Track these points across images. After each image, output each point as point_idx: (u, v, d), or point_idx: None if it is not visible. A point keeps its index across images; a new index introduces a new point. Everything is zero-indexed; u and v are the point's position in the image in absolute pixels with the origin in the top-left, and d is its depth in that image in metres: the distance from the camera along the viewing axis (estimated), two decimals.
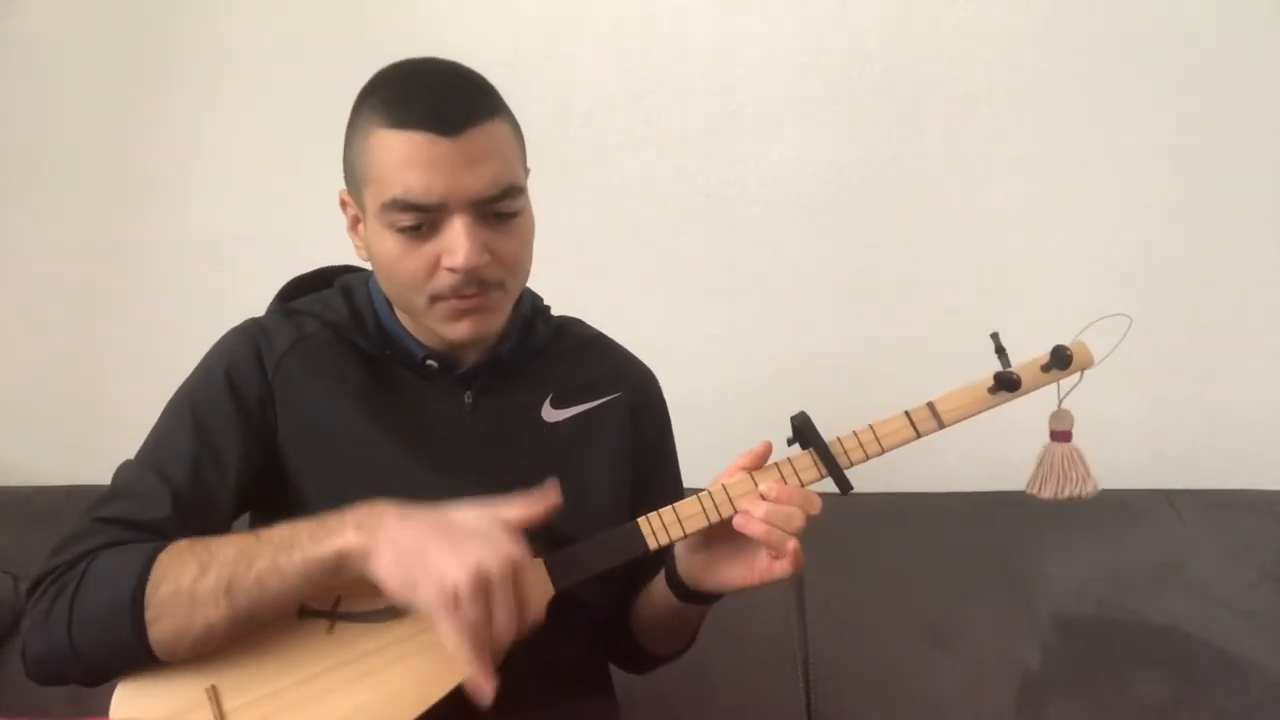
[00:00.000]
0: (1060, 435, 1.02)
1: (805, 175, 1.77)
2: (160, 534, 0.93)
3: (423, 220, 0.96)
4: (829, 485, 0.98)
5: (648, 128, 1.79)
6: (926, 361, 1.73)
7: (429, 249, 0.97)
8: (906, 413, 0.99)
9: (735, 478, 0.96)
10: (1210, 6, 1.71)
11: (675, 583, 1.03)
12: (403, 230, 0.96)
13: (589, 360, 1.17)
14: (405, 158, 0.94)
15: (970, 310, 1.72)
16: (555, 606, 0.93)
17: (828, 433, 0.98)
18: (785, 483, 0.96)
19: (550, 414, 1.10)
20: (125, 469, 1.01)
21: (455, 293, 0.98)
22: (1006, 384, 0.98)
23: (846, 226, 1.77)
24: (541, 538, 0.92)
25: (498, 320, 1.05)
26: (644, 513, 0.96)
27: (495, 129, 0.97)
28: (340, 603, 0.92)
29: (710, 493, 0.96)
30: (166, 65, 1.84)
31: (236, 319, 1.11)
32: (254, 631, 0.90)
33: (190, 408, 1.02)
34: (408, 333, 1.08)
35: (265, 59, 1.83)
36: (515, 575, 0.84)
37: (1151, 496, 1.57)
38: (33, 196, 1.87)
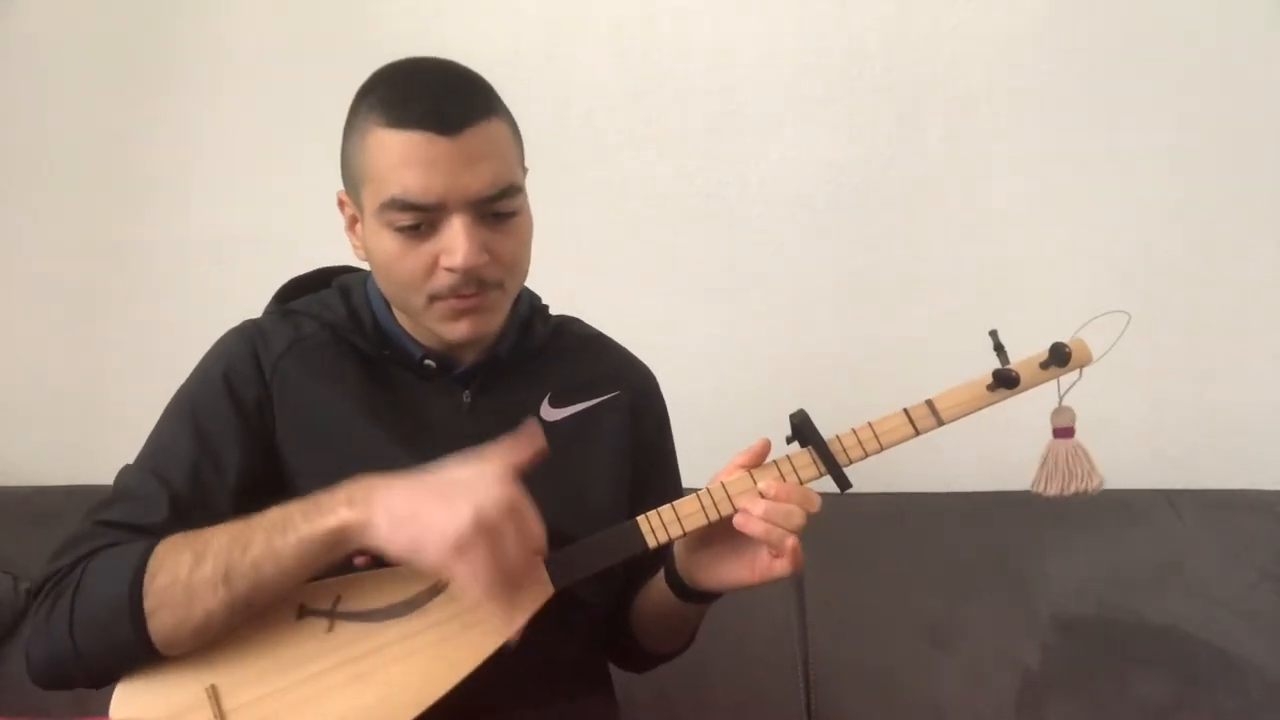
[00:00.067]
0: (1063, 432, 1.01)
1: (805, 175, 1.77)
2: (159, 537, 0.93)
3: (421, 220, 0.96)
4: (829, 484, 0.98)
5: (648, 128, 1.79)
6: (926, 361, 1.72)
7: (427, 249, 0.97)
8: (905, 410, 0.99)
9: (734, 476, 0.96)
10: (1210, 6, 1.71)
11: (674, 581, 1.03)
12: (401, 230, 0.96)
13: (587, 359, 1.17)
14: (403, 157, 0.94)
15: (970, 310, 1.72)
16: (555, 606, 0.93)
17: (827, 433, 0.98)
18: (784, 480, 0.95)
19: (549, 413, 1.10)
20: (125, 473, 1.01)
21: (454, 292, 0.98)
22: (1005, 381, 0.98)
23: (846, 226, 1.77)
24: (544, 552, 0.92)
25: (496, 320, 1.05)
26: (643, 512, 0.96)
27: (493, 128, 0.97)
28: (340, 602, 0.92)
29: (709, 491, 0.95)
30: (166, 65, 1.84)
31: (236, 319, 1.11)
32: (254, 630, 0.90)
33: (189, 411, 1.02)
34: (406, 333, 1.08)
35: (265, 59, 1.83)
36: (514, 511, 0.85)
37: (1151, 496, 1.57)
38: (33, 196, 1.87)
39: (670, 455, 1.23)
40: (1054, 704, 1.43)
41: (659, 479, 1.16)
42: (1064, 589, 1.50)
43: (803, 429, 0.98)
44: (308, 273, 1.17)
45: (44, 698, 0.99)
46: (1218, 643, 1.45)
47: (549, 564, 0.94)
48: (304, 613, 0.92)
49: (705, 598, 1.03)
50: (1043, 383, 1.01)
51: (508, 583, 0.85)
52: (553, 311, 1.20)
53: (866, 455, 0.98)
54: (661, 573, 1.06)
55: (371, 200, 0.98)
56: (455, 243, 0.95)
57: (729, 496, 0.95)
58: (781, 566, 0.93)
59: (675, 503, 0.95)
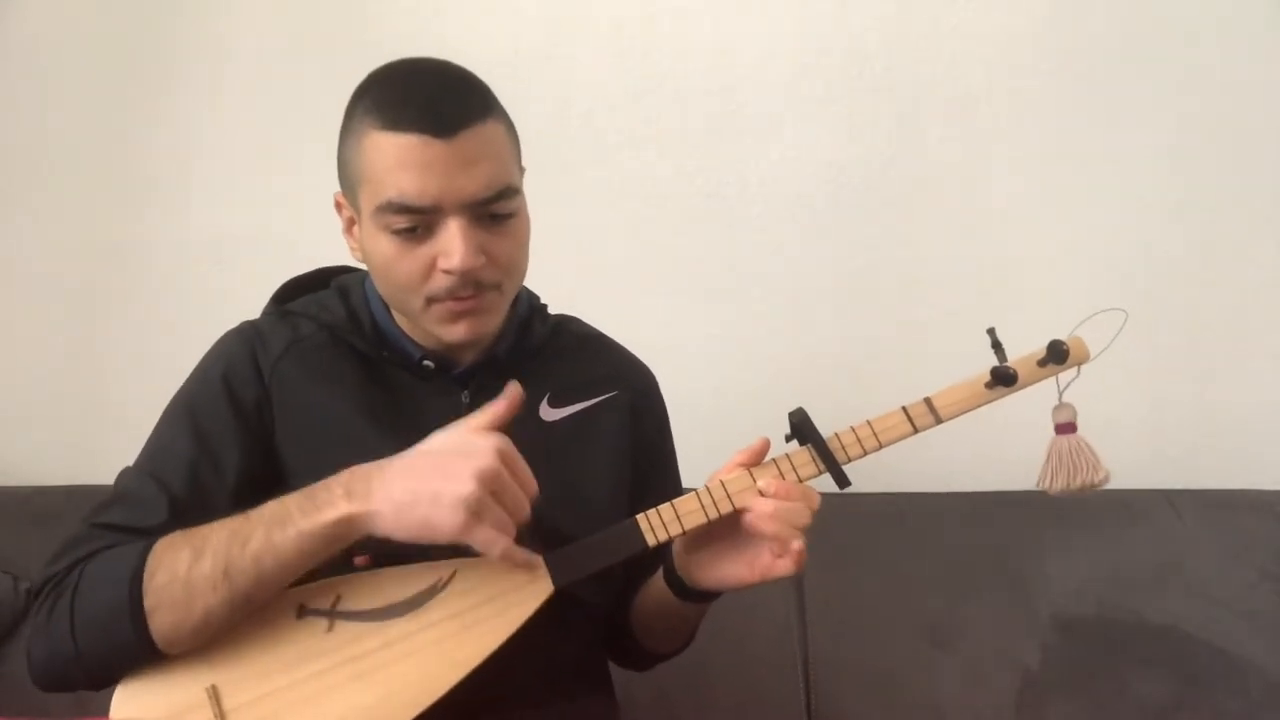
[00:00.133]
0: (1064, 428, 1.01)
1: (805, 175, 1.77)
2: (158, 539, 0.93)
3: (417, 222, 0.96)
4: (829, 484, 0.98)
5: (648, 128, 1.79)
6: (926, 361, 1.72)
7: (424, 251, 0.97)
8: (904, 408, 0.99)
9: (733, 474, 0.96)
10: (1210, 6, 1.71)
11: (674, 581, 1.03)
12: (397, 232, 0.96)
13: (587, 359, 1.17)
14: (399, 160, 0.94)
15: (970, 310, 1.72)
16: (554, 605, 0.93)
17: (827, 431, 0.98)
18: (784, 479, 0.96)
19: (548, 413, 1.10)
20: (124, 475, 1.01)
21: (451, 294, 0.98)
22: (1003, 379, 0.98)
23: (846, 226, 1.77)
24: (540, 536, 0.92)
25: (494, 321, 1.05)
26: (643, 510, 0.96)
27: (489, 130, 0.97)
28: (339, 602, 0.92)
29: (708, 489, 0.95)
30: (166, 65, 1.84)
31: (236, 319, 1.11)
32: (254, 630, 0.90)
33: (188, 413, 1.02)
34: (404, 333, 1.08)
35: (265, 59, 1.84)
36: (507, 458, 0.86)
37: (1151, 496, 1.57)
38: (33, 196, 1.87)
39: (670, 455, 1.23)
40: (1054, 704, 1.43)
41: (658, 478, 1.16)
42: (1064, 589, 1.50)
43: (801, 427, 0.98)
44: (306, 273, 1.17)
45: (44, 698, 0.99)
46: (1218, 643, 1.45)
47: (549, 563, 0.94)
48: (304, 612, 0.92)
49: (704, 597, 1.03)
50: (1041, 380, 1.01)
51: (513, 533, 0.87)
52: (552, 311, 1.19)
53: (865, 453, 0.98)
54: (661, 572, 1.06)
55: (368, 203, 0.97)
56: (452, 245, 0.95)
57: (728, 495, 0.95)
58: (784, 566, 0.93)
59: (674, 501, 0.95)
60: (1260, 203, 1.72)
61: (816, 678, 1.46)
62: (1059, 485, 1.01)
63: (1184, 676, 1.43)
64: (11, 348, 1.87)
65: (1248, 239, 1.72)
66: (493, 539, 0.85)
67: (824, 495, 0.96)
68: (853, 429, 0.99)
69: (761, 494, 0.94)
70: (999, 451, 1.65)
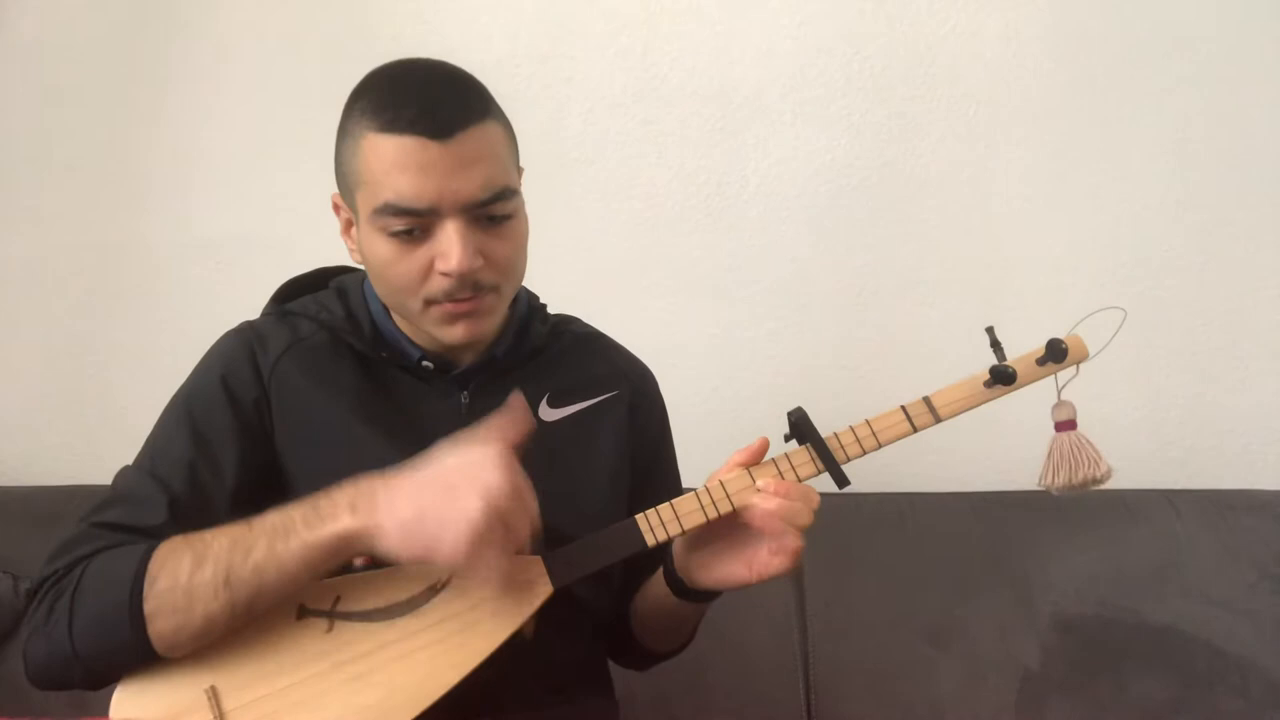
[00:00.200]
0: (1064, 425, 1.01)
1: (805, 175, 1.77)
2: (157, 539, 0.93)
3: (415, 225, 0.95)
4: (829, 484, 0.98)
5: (648, 128, 1.79)
6: (926, 361, 1.73)
7: (422, 253, 0.96)
8: (903, 407, 0.99)
9: (732, 474, 0.96)
10: (1210, 7, 1.72)
11: (673, 580, 1.03)
12: (395, 235, 0.96)
13: (586, 359, 1.17)
14: (396, 162, 0.93)
15: (970, 310, 1.73)
16: (554, 606, 0.93)
17: (826, 432, 0.98)
18: (783, 478, 0.96)
19: (547, 413, 1.10)
20: (123, 475, 1.00)
21: (449, 296, 0.98)
22: (1002, 378, 0.98)
23: (846, 226, 1.77)
24: (540, 536, 0.92)
25: (493, 322, 1.04)
26: (642, 510, 0.96)
27: (486, 131, 0.96)
28: (339, 602, 0.92)
29: (708, 489, 0.95)
30: (166, 65, 1.84)
31: (236, 319, 1.11)
32: (253, 631, 0.90)
33: (187, 413, 1.02)
34: (403, 334, 1.07)
35: (265, 59, 1.84)
36: (518, 494, 0.85)
37: (1151, 496, 1.57)
38: (33, 196, 1.87)
39: (669, 454, 1.23)
40: (1054, 704, 1.43)
41: (658, 478, 1.16)
42: (1064, 589, 1.50)
43: (800, 426, 0.98)
44: (305, 273, 1.17)
45: (44, 698, 0.99)
46: (1217, 643, 1.45)
47: (548, 563, 0.94)
48: (304, 613, 0.92)
49: (704, 597, 1.03)
50: (1040, 379, 1.01)
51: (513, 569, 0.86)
52: (552, 311, 1.19)
53: (864, 453, 0.98)
54: (660, 572, 1.06)
55: (365, 205, 0.97)
56: (449, 247, 0.95)
57: (727, 495, 0.95)
58: (779, 563, 0.93)
59: (674, 501, 0.95)
60: (1260, 202, 1.72)
61: (816, 678, 1.46)
62: (1060, 482, 1.01)
63: (1184, 676, 1.43)
64: (12, 348, 1.87)
65: (1248, 239, 1.72)
66: (487, 574, 0.85)
67: (824, 495, 0.96)
68: (852, 429, 0.98)
69: (761, 493, 0.94)
70: (999, 451, 1.65)
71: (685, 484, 1.20)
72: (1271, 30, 1.71)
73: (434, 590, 0.93)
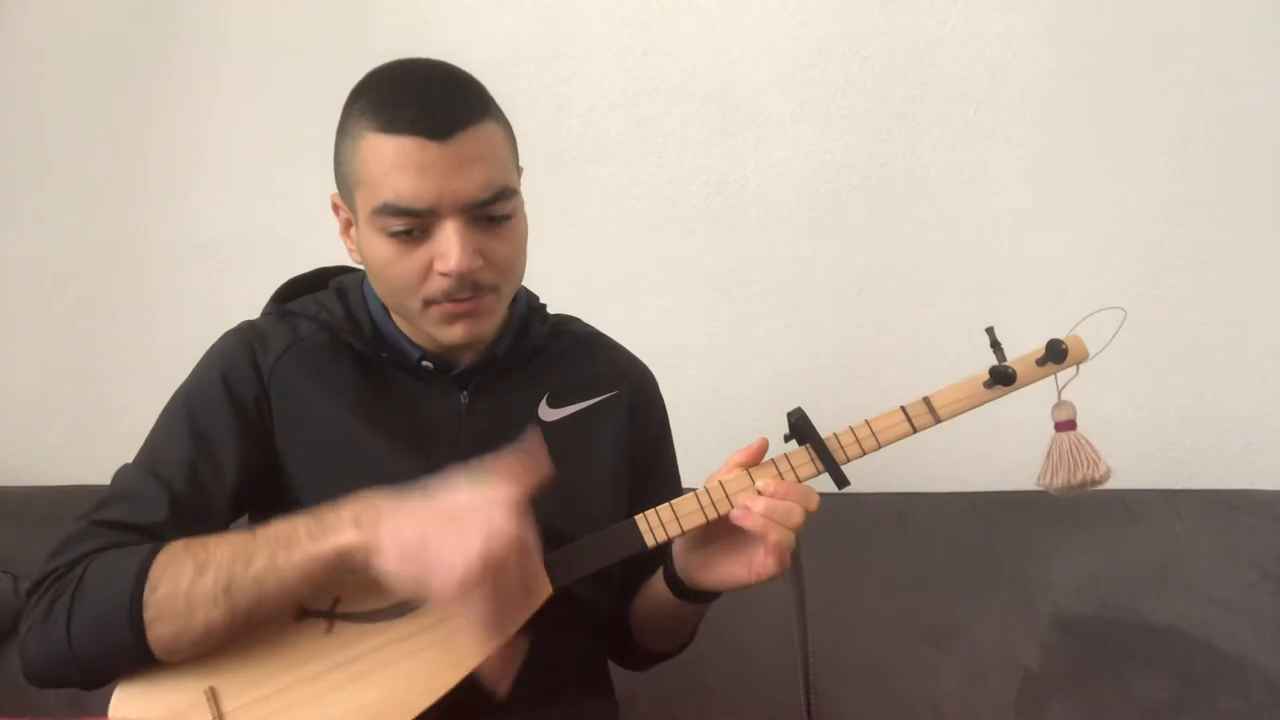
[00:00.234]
0: (1064, 425, 1.01)
1: (805, 175, 1.77)
2: (157, 538, 0.93)
3: (414, 225, 0.95)
4: (829, 484, 0.98)
5: (648, 128, 1.79)
6: (926, 361, 1.73)
7: (421, 253, 0.96)
8: (903, 408, 0.99)
9: (732, 474, 0.96)
10: (1210, 7, 1.71)
11: (673, 581, 1.03)
12: (394, 235, 0.96)
13: (586, 359, 1.17)
14: (395, 163, 0.93)
15: (970, 310, 1.72)
16: (554, 606, 0.93)
17: (826, 433, 0.98)
18: (782, 479, 0.96)
19: (547, 413, 1.10)
20: (123, 473, 1.01)
21: (449, 297, 0.98)
22: (1002, 378, 0.98)
23: (846, 226, 1.77)
24: (539, 537, 0.91)
25: (492, 322, 1.04)
26: (642, 511, 0.96)
27: (485, 131, 0.96)
28: (338, 603, 0.92)
29: (707, 490, 0.95)
30: (166, 65, 1.84)
31: (236, 319, 1.11)
32: (252, 631, 0.90)
33: (187, 412, 1.02)
34: (403, 334, 1.07)
35: (265, 59, 1.84)
36: (522, 548, 0.84)
37: (1151, 496, 1.57)
38: (33, 197, 1.87)
39: (669, 454, 1.23)
40: (1054, 704, 1.43)
41: (658, 478, 1.16)
42: (1064, 589, 1.50)
43: (800, 427, 0.98)
44: (305, 273, 1.17)
45: (43, 698, 0.99)
46: (1217, 643, 1.45)
47: (548, 564, 0.94)
48: (303, 614, 0.92)
49: (704, 597, 1.03)
50: (1040, 379, 1.01)
51: (503, 621, 0.84)
52: (552, 311, 1.19)
53: (864, 453, 0.98)
54: (660, 572, 1.06)
55: (365, 205, 0.97)
56: (448, 247, 0.95)
57: (727, 495, 0.95)
58: (769, 565, 0.93)
59: (673, 502, 0.95)
60: (1260, 202, 1.72)
61: (816, 678, 1.46)
62: (1059, 482, 1.01)
63: (1184, 676, 1.43)
64: (11, 348, 1.87)
65: (1248, 239, 1.72)
66: (471, 620, 0.83)
67: (824, 495, 0.96)
68: (851, 429, 0.98)
69: (760, 494, 0.94)
70: (999, 452, 1.65)
71: (685, 484, 1.19)
72: (1271, 30, 1.71)
73: None
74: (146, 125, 1.85)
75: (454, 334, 1.01)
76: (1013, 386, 0.99)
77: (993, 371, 0.99)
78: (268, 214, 1.82)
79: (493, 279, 0.99)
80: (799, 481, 0.96)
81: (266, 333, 1.07)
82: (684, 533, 0.96)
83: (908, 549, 1.55)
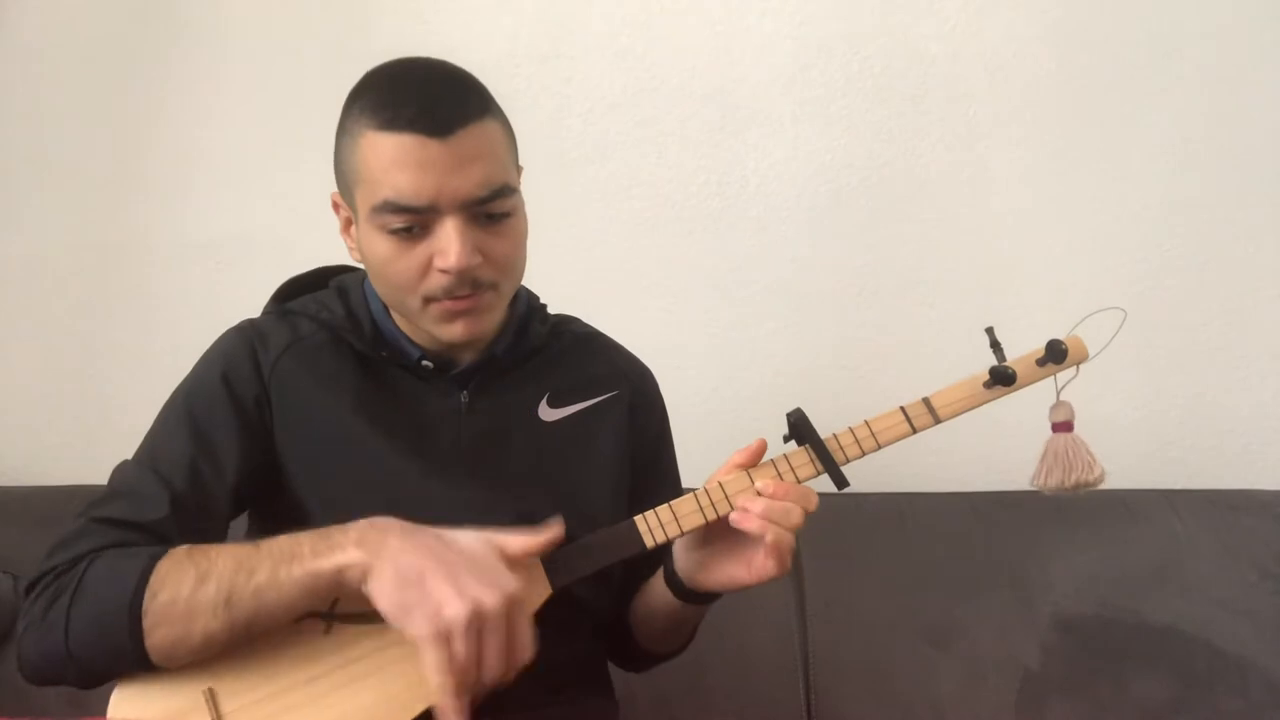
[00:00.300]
0: (1061, 426, 1.01)
1: (805, 175, 1.77)
2: (158, 535, 0.93)
3: (414, 222, 0.95)
4: (829, 484, 0.98)
5: (648, 128, 1.79)
6: (926, 361, 1.73)
7: (421, 251, 0.97)
8: (902, 408, 0.99)
9: (731, 475, 0.96)
10: (1210, 7, 1.71)
11: (673, 582, 1.03)
12: (394, 232, 0.96)
13: (586, 358, 1.17)
14: (395, 160, 0.93)
15: (970, 310, 1.72)
16: (554, 606, 0.93)
17: (826, 433, 0.98)
18: (782, 479, 0.95)
19: (547, 413, 1.10)
20: (123, 470, 1.00)
21: (448, 294, 0.98)
22: (1002, 378, 0.98)
23: (846, 226, 1.77)
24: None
25: (492, 321, 1.04)
26: (641, 511, 0.96)
27: (485, 129, 0.97)
28: (338, 604, 0.92)
29: (706, 491, 0.95)
30: (166, 65, 1.84)
31: (236, 319, 1.11)
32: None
33: (187, 410, 1.02)
34: (403, 333, 1.08)
35: (265, 59, 1.84)
36: (511, 614, 0.84)
37: (1151, 496, 1.57)
38: (33, 196, 1.87)
39: (669, 455, 1.23)
40: (1054, 704, 1.43)
41: (657, 479, 1.16)
42: (1064, 589, 1.50)
43: (799, 427, 0.97)
44: (306, 272, 1.17)
45: (43, 698, 0.99)
46: (1217, 643, 1.45)
47: (547, 564, 0.94)
48: (302, 615, 0.92)
49: (704, 598, 1.03)
50: (1040, 380, 1.00)
51: (469, 688, 0.83)
52: (552, 311, 1.19)
53: (864, 454, 0.98)
54: (660, 573, 1.06)
55: (364, 203, 0.97)
56: (448, 245, 0.95)
57: (726, 496, 0.95)
58: (769, 567, 0.93)
59: (673, 502, 0.95)
60: (1260, 202, 1.72)
61: (816, 678, 1.46)
62: (1053, 483, 1.01)
63: (1184, 676, 1.43)
64: (11, 348, 1.87)
65: (1248, 239, 1.72)
66: (437, 666, 0.81)
67: (824, 495, 0.96)
68: (851, 430, 0.98)
69: (760, 495, 0.94)
70: (999, 451, 1.65)
71: (685, 484, 1.19)
72: (1271, 30, 1.71)
73: None
74: (146, 125, 1.85)
75: (453, 332, 1.01)
76: (1013, 387, 0.99)
77: (992, 372, 0.99)
78: (268, 214, 1.82)
79: (492, 276, 0.99)
80: (798, 482, 0.96)
81: (267, 331, 1.07)
82: (683, 533, 0.96)
83: (908, 549, 1.55)
